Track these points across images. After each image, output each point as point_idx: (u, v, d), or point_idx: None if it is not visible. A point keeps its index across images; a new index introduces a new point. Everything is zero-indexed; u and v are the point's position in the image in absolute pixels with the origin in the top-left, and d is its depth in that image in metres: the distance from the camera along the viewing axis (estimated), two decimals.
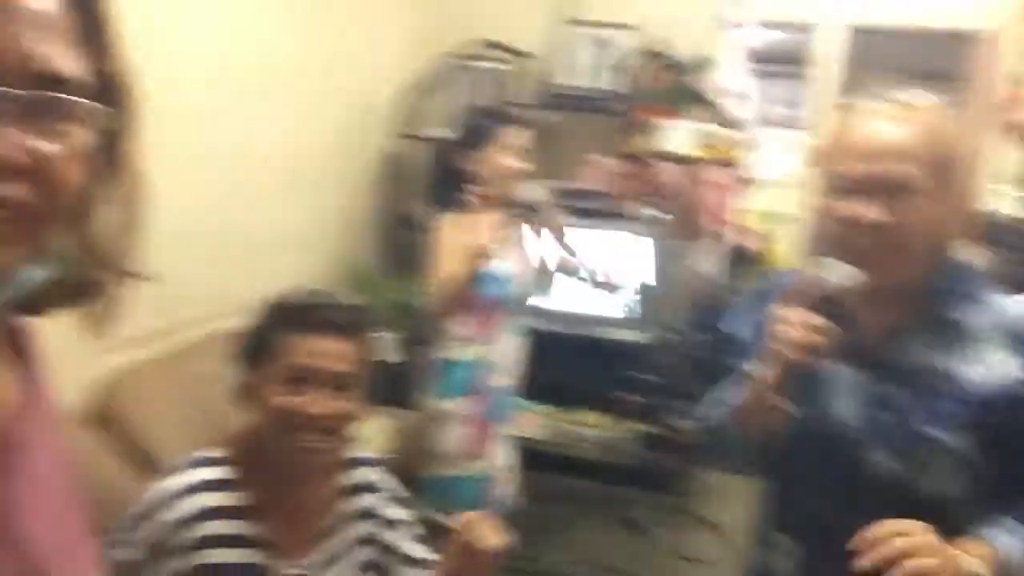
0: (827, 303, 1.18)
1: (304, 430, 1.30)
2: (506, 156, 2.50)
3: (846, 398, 1.26)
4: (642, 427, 3.21)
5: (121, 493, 1.66)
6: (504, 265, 2.47)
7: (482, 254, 2.35)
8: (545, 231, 2.55)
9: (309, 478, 1.38)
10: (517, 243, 2.55)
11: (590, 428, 3.72)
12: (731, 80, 3.68)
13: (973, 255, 1.28)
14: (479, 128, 2.53)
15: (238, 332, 1.41)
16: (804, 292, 1.19)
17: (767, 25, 4.55)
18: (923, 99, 1.21)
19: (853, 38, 5.17)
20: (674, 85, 3.42)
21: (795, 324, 1.17)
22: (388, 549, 1.43)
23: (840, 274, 1.18)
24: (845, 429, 1.25)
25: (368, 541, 1.42)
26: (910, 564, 1.02)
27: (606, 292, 3.26)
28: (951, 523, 1.12)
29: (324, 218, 3.14)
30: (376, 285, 3.10)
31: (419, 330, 2.70)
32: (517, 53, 3.53)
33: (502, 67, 3.53)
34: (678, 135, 3.32)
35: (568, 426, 3.71)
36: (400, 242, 3.34)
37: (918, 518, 1.10)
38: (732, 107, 3.56)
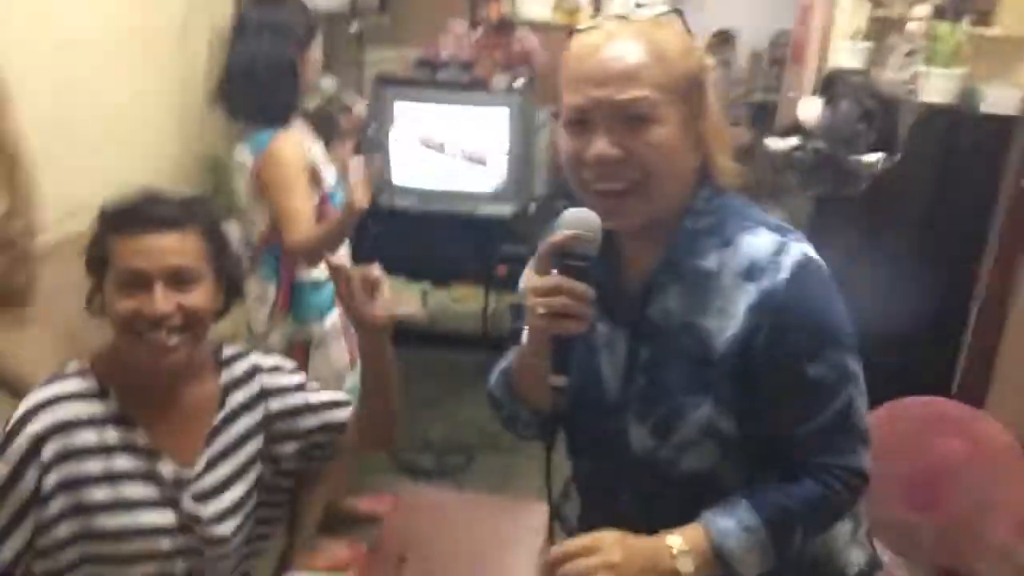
0: (581, 257, 1.02)
1: (149, 332, 1.27)
2: (318, 52, 2.33)
3: (609, 362, 1.14)
4: (515, 297, 3.29)
5: None
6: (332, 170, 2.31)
7: (355, 211, 2.08)
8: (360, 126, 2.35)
9: (177, 379, 1.35)
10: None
11: (464, 302, 3.79)
12: None
13: (735, 180, 1.11)
14: (309, 19, 2.31)
15: (84, 239, 1.34)
16: (552, 251, 1.02)
17: None
18: (653, 14, 1.07)
19: None
20: None
21: (546, 292, 1.01)
22: (283, 415, 1.42)
23: (584, 224, 1.02)
24: (606, 398, 1.14)
25: (257, 429, 1.41)
26: None
27: (470, 166, 3.25)
28: (718, 497, 1.06)
29: (171, 103, 2.93)
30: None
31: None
32: None
33: None
34: (535, 1, 3.25)
35: (444, 302, 3.77)
36: None
37: (681, 493, 1.07)
38: None
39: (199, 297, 1.30)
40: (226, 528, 1.36)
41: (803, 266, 1.04)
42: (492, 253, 3.46)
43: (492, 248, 3.46)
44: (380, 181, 2.39)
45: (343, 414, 1.45)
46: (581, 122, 1.04)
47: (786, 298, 1.02)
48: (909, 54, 3.38)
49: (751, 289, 1.04)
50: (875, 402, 1.91)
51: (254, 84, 2.19)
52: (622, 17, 1.06)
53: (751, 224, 1.08)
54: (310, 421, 1.44)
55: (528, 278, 1.08)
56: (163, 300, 1.26)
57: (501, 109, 3.30)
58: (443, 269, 3.70)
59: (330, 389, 1.51)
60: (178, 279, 1.28)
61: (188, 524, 1.33)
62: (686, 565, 1.00)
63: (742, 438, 1.07)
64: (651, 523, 1.04)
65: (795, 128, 4.22)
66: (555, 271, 1.02)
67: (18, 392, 1.66)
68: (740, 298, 1.04)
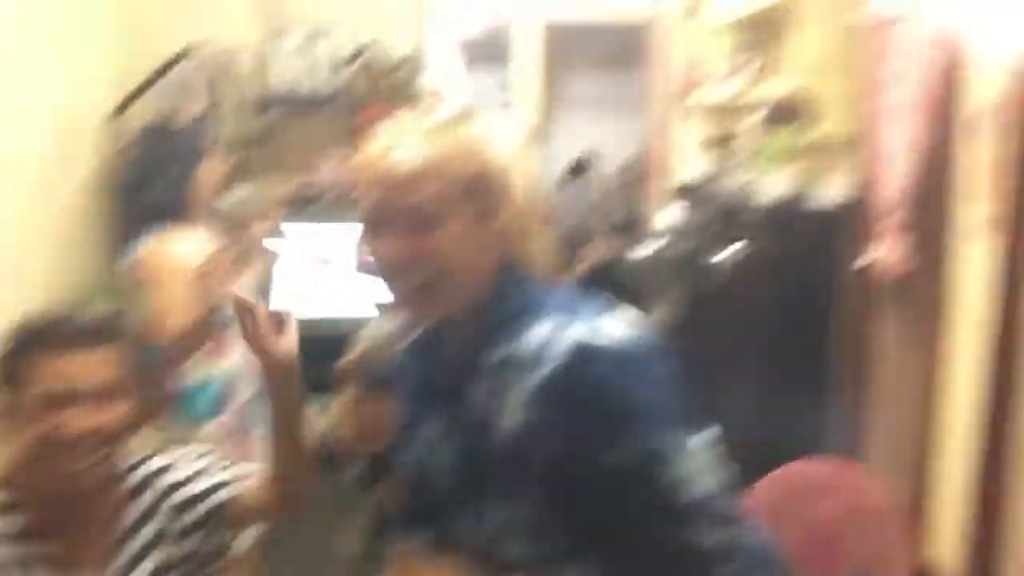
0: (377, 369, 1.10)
1: (69, 452, 1.24)
2: (217, 163, 2.45)
3: (433, 448, 1.14)
4: None
5: None
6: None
7: (215, 283, 2.13)
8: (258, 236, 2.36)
9: (88, 494, 1.32)
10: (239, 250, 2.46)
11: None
12: (443, 73, 3.86)
13: (540, 265, 1.13)
14: (198, 134, 2.44)
15: None
16: (355, 367, 1.08)
17: (473, 21, 4.80)
18: (449, 114, 1.10)
19: (548, 33, 5.67)
20: (388, 81, 3.54)
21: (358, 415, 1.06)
22: (180, 509, 1.39)
23: (373, 336, 1.08)
24: (434, 484, 1.13)
25: (162, 532, 1.38)
26: None
27: (353, 284, 3.31)
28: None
29: (38, 248, 2.89)
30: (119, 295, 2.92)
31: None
32: (227, 56, 3.46)
33: (210, 70, 3.44)
34: None
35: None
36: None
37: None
38: (447, 99, 3.74)
39: (119, 411, 1.29)
40: None
41: (576, 353, 0.99)
42: None
43: None
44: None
45: (222, 495, 1.41)
46: (374, 226, 1.07)
47: (556, 390, 0.99)
48: (747, 159, 3.75)
49: (524, 382, 1.01)
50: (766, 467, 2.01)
51: (151, 193, 2.25)
52: (416, 119, 1.10)
53: (543, 313, 1.05)
54: (199, 510, 1.41)
55: (337, 399, 1.12)
56: (85, 419, 1.24)
57: None
58: (328, 384, 3.67)
59: None
60: (99, 395, 1.26)
61: None
62: None
63: (554, 529, 1.03)
64: None
65: (656, 235, 4.53)
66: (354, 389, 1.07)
67: None
68: (517, 393, 1.02)
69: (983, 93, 2.36)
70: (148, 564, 1.35)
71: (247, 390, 2.43)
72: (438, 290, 1.06)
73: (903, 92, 2.70)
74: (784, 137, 3.38)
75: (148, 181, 2.37)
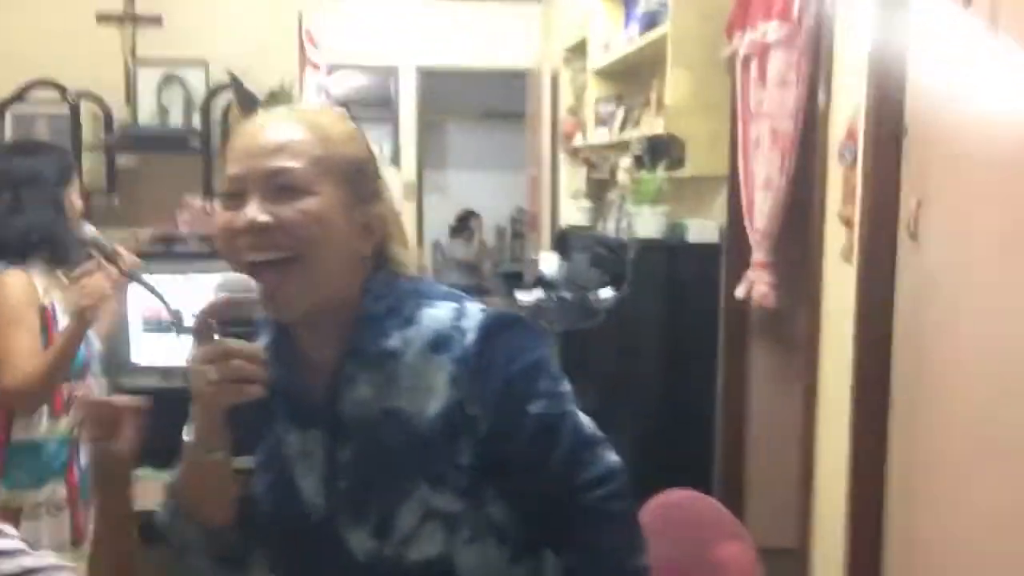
0: (243, 322, 1.00)
1: None
2: (76, 197, 2.26)
3: (307, 472, 1.06)
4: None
5: None
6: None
7: (86, 318, 2.01)
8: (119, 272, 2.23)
9: None
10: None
11: None
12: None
13: (410, 269, 1.11)
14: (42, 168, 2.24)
15: None
16: (210, 318, 0.96)
17: (344, 67, 4.74)
18: (319, 106, 1.12)
19: (424, 80, 5.64)
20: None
21: (214, 359, 0.95)
22: None
23: (239, 286, 0.97)
24: (310, 512, 1.05)
25: None
26: None
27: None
28: None
29: None
30: None
31: None
32: (79, 94, 3.27)
33: (63, 111, 3.25)
34: None
35: None
36: None
37: None
38: None
39: None
40: None
41: (485, 323, 1.04)
42: None
43: None
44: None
45: None
46: (235, 195, 1.01)
47: (480, 360, 1.02)
48: (622, 201, 3.76)
49: (443, 360, 1.02)
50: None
51: (24, 229, 2.09)
52: (288, 108, 1.10)
53: (429, 299, 1.07)
54: None
55: (192, 354, 0.98)
56: None
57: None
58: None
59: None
60: None
61: None
62: None
63: (471, 513, 1.04)
64: None
65: (539, 282, 4.51)
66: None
67: None
68: (434, 372, 1.02)
69: (841, 123, 2.41)
70: None
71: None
72: (301, 267, 0.98)
73: (764, 127, 2.75)
74: (654, 177, 3.40)
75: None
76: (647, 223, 3.43)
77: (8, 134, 3.23)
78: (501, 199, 7.60)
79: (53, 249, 2.13)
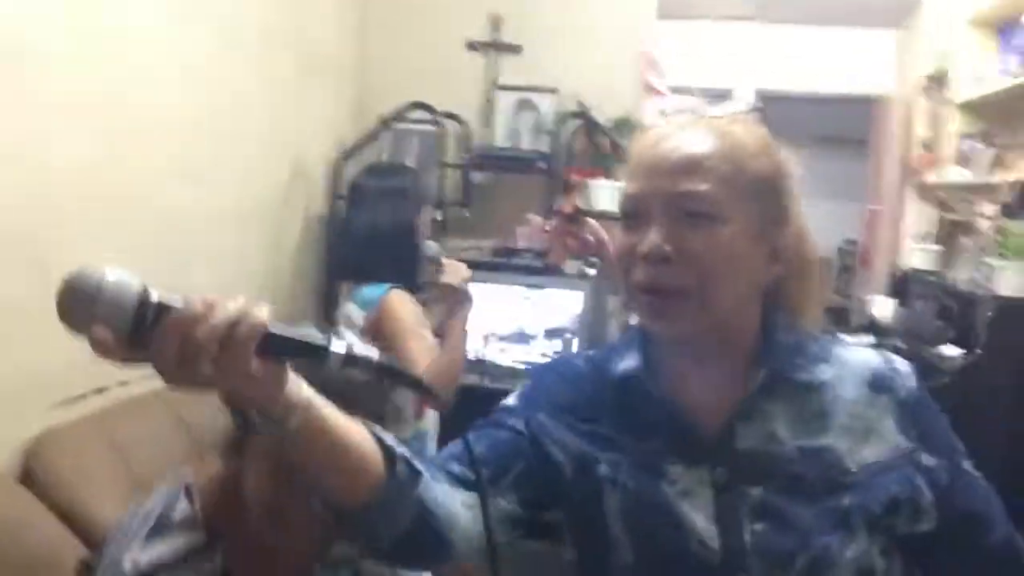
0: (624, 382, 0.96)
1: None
2: (428, 215, 2.44)
3: (697, 513, 0.92)
4: None
5: (50, 553, 1.59)
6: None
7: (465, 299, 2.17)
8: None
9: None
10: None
11: None
12: None
13: (814, 322, 1.01)
14: (410, 186, 2.45)
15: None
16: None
17: (685, 92, 4.75)
18: (731, 112, 1.02)
19: (765, 103, 5.50)
20: (599, 147, 3.53)
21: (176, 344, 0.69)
22: None
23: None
24: (700, 550, 0.91)
25: None
26: None
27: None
28: None
29: (262, 281, 3.10)
30: None
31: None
32: (446, 115, 3.60)
33: (431, 128, 3.60)
34: (604, 193, 3.40)
35: None
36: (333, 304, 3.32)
37: None
38: None
39: None
40: None
41: (914, 372, 0.98)
42: None
43: None
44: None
45: None
46: (636, 215, 0.93)
47: (925, 409, 0.96)
48: (981, 250, 3.40)
49: (885, 401, 0.94)
50: None
51: (378, 245, 2.26)
52: (695, 113, 1.00)
53: (832, 343, 0.99)
54: None
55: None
56: None
57: (575, 293, 3.38)
58: None
59: None
60: None
61: None
62: None
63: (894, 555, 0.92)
64: None
65: (870, 326, 4.21)
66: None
67: (74, 524, 1.64)
68: (877, 413, 0.93)
69: None
70: None
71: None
72: (696, 299, 0.90)
73: None
74: None
75: (359, 220, 2.38)
76: (1010, 280, 3.07)
77: (388, 147, 3.63)
78: (830, 229, 7.19)
79: (402, 269, 2.25)
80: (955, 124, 4.02)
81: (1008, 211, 3.17)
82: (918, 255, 4.16)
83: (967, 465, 0.97)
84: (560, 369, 1.08)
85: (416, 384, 0.82)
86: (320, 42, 3.40)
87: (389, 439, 0.87)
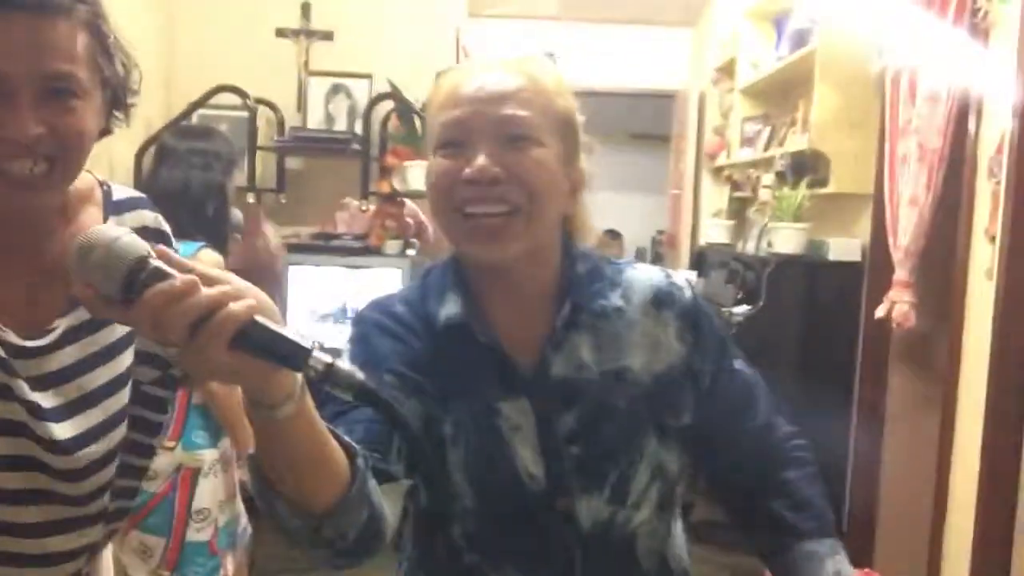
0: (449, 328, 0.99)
1: (7, 161, 0.87)
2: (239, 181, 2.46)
3: (525, 445, 0.98)
4: None
5: None
6: None
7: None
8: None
9: (38, 230, 0.97)
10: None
11: None
12: None
13: (591, 238, 1.10)
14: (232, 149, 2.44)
15: None
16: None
17: None
18: (526, 55, 1.02)
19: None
20: (412, 128, 3.62)
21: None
22: None
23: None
24: (528, 480, 0.97)
25: None
26: None
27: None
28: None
29: None
30: None
31: None
32: (258, 101, 3.59)
33: (243, 114, 3.57)
34: (420, 174, 3.49)
35: None
36: None
37: (625, 560, 1.01)
38: None
39: (80, 115, 0.91)
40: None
41: (690, 283, 1.10)
42: None
43: None
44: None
45: None
46: (459, 143, 0.95)
47: (699, 316, 1.06)
48: (762, 218, 3.74)
49: (668, 316, 1.04)
50: None
51: (186, 206, 2.19)
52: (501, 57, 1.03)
53: (621, 264, 1.08)
54: None
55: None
56: (24, 120, 0.87)
57: (395, 271, 3.45)
58: None
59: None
60: (51, 87, 0.89)
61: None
62: None
63: (683, 472, 1.05)
64: None
65: None
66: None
67: None
68: (661, 328, 1.03)
69: (993, 139, 2.35)
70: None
71: None
72: (527, 217, 0.95)
73: (912, 144, 2.70)
74: (796, 193, 3.38)
75: (168, 178, 2.29)
76: (787, 240, 3.40)
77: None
78: (643, 221, 7.62)
79: (212, 231, 2.21)
80: (740, 109, 4.41)
81: (782, 178, 3.52)
82: (713, 230, 4.53)
83: (737, 364, 1.10)
84: (383, 323, 1.04)
85: (389, 411, 0.79)
86: (126, 31, 3.31)
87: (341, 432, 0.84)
